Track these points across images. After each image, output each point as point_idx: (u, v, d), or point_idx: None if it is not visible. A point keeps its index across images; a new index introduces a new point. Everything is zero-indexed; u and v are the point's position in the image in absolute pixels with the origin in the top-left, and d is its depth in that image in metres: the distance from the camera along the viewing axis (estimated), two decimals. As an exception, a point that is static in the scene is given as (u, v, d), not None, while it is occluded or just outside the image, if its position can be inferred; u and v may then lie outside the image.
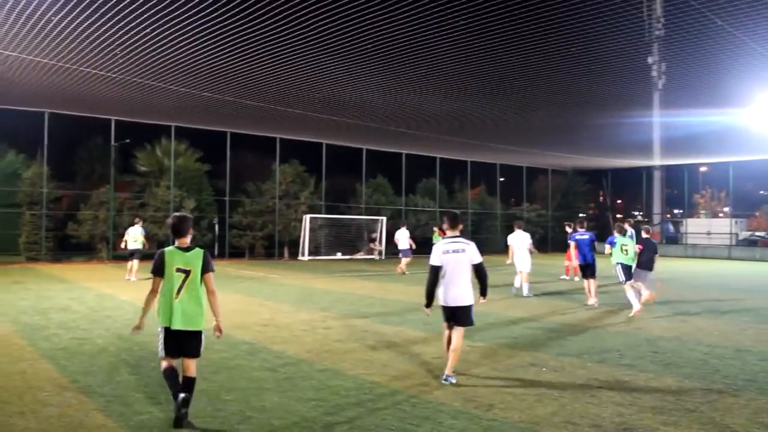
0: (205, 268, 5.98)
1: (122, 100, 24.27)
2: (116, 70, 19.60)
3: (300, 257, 33.39)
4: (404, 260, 24.41)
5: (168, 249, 6.03)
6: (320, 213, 35.88)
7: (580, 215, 48.04)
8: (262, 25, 15.43)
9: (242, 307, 14.07)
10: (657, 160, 41.32)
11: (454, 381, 7.37)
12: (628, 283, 13.74)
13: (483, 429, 5.76)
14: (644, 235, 14.80)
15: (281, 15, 14.73)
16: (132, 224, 21.87)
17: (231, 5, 14.19)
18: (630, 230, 16.93)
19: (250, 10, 14.46)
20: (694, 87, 21.37)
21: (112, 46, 17.22)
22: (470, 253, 7.57)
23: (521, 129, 29.53)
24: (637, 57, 18.11)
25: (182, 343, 5.89)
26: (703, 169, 54.25)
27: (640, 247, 14.16)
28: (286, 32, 15.99)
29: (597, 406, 6.50)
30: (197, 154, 35.42)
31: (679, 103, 22.95)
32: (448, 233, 7.79)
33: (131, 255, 20.94)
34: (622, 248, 14.14)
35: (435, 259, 7.57)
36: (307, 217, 33.59)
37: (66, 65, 19.01)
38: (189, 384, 5.86)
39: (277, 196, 35.30)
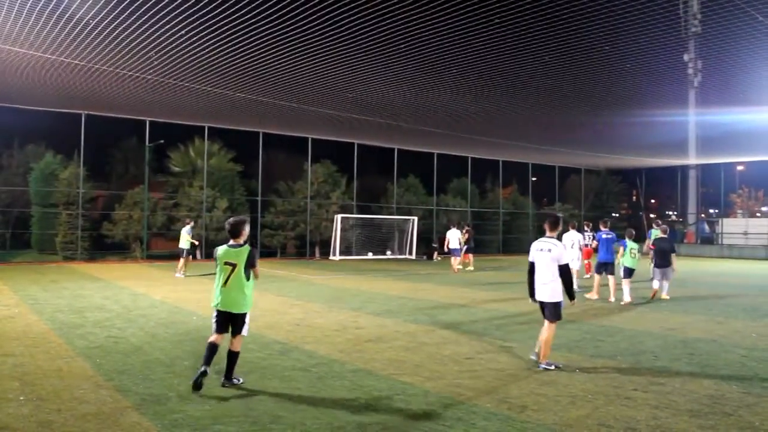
0: (248, 263, 7.16)
1: (157, 101, 24.60)
2: (151, 72, 19.87)
3: (331, 257, 33.49)
4: (457, 259, 26.12)
5: (221, 247, 7.34)
6: (351, 213, 35.94)
7: (610, 215, 47.61)
8: (295, 25, 15.51)
9: (274, 306, 14.15)
10: (692, 159, 40.66)
11: (549, 368, 8.07)
12: (625, 280, 15.55)
13: (516, 431, 5.72)
14: (660, 234, 16.44)
15: (314, 15, 14.79)
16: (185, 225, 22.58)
17: (264, 6, 14.28)
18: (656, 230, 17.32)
19: (284, 11, 14.54)
20: (731, 84, 20.99)
21: (147, 49, 17.47)
22: (555, 253, 8.13)
23: (554, 128, 29.27)
24: (672, 54, 17.83)
25: (229, 321, 7.21)
26: (740, 168, 53.19)
27: (652, 246, 15.29)
28: (318, 32, 16.05)
29: (631, 409, 6.41)
30: (230, 154, 35.77)
31: (716, 101, 22.55)
32: (547, 233, 8.44)
33: (182, 254, 21.90)
34: (631, 252, 15.79)
35: (530, 255, 8.42)
36: (338, 217, 33.68)
37: (102, 67, 19.33)
38: (232, 357, 7.22)
39: (309, 195, 35.46)
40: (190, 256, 22.10)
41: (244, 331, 7.26)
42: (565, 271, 8.12)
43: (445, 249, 27.32)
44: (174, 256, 32.61)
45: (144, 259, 29.93)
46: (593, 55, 18.08)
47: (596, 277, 16.59)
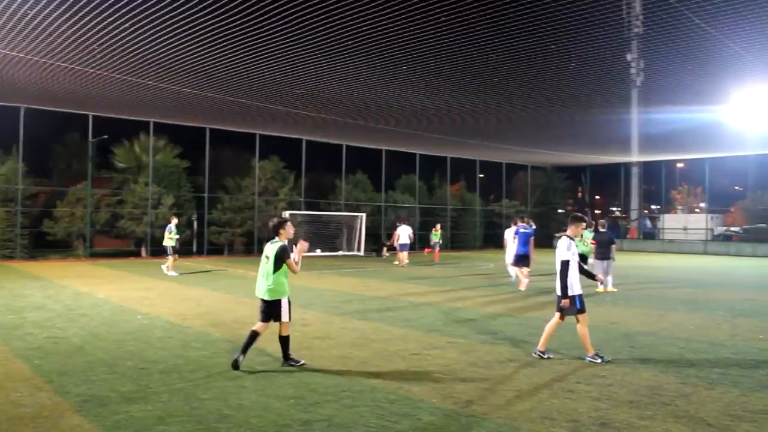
0: (278, 257, 7.92)
1: (100, 95, 24.02)
2: (93, 65, 19.39)
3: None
4: (404, 254, 26.77)
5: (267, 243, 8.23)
6: (299, 209, 35.78)
7: (556, 211, 48.61)
8: (242, 20, 15.33)
9: (220, 304, 14.00)
10: (635, 157, 41.71)
11: (596, 360, 8.33)
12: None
13: (461, 425, 5.77)
14: (600, 229, 17.39)
15: (261, 10, 14.65)
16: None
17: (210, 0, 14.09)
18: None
19: (231, 4, 14.35)
20: (671, 84, 21.56)
21: (89, 41, 17.04)
22: (560, 249, 8.52)
23: (500, 125, 29.61)
24: (616, 54, 18.21)
25: (267, 309, 8.01)
26: (680, 165, 54.80)
27: (594, 241, 16.18)
28: (266, 27, 15.90)
29: (574, 401, 6.54)
30: (176, 150, 35.17)
31: (657, 100, 23.15)
32: (568, 231, 8.78)
33: (168, 252, 21.71)
34: (584, 241, 17.00)
35: None
36: (286, 214, 33.43)
37: (42, 60, 18.78)
38: (282, 342, 8.08)
39: (257, 192, 35.15)
40: (176, 254, 21.73)
41: (284, 317, 7.97)
42: (560, 268, 8.42)
43: (394, 244, 27.70)
44: (119, 254, 32.05)
45: (87, 258, 29.22)
46: (540, 54, 18.36)
47: (521, 269, 17.65)
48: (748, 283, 20.35)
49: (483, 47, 17.63)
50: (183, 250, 30.76)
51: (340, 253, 35.35)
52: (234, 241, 35.43)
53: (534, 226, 19.22)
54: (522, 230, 17.85)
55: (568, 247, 8.50)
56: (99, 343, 9.41)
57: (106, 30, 16.13)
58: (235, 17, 15.14)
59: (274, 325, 8.10)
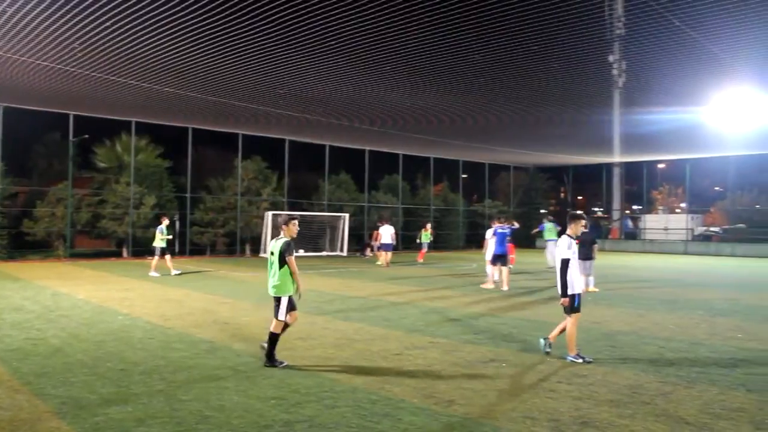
0: (282, 254, 8.03)
1: (81, 94, 23.80)
2: (74, 64, 19.21)
3: (262, 254, 33.12)
4: (387, 254, 26.93)
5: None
6: (282, 209, 35.64)
7: (538, 211, 48.87)
8: (225, 19, 15.25)
9: (202, 305, 13.93)
10: (617, 157, 41.98)
11: (577, 360, 8.38)
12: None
13: (442, 425, 5.79)
14: (582, 229, 16.42)
15: (244, 9, 14.58)
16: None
17: (191, -1, 14.02)
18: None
19: (213, 4, 14.28)
20: (653, 85, 21.72)
21: (70, 40, 16.87)
22: (560, 248, 8.67)
23: (483, 126, 29.70)
24: (598, 55, 18.32)
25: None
26: (661, 166, 55.25)
27: (577, 241, 16.24)
28: (248, 27, 15.83)
29: (555, 401, 6.58)
30: (158, 149, 34.90)
31: (639, 101, 23.32)
32: (567, 231, 8.85)
33: (157, 252, 21.57)
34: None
35: None
36: (269, 214, 33.37)
37: (22, 58, 18.57)
38: (271, 338, 8.06)
39: (239, 192, 34.99)
40: (168, 255, 21.52)
41: (280, 315, 7.99)
42: (560, 266, 8.53)
43: (374, 244, 27.84)
44: (100, 254, 31.79)
45: (68, 258, 28.94)
46: (522, 55, 18.42)
47: (491, 268, 17.94)
48: (726, 283, 20.57)
49: (466, 48, 17.67)
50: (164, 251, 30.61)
51: (324, 253, 35.30)
52: (216, 241, 35.22)
53: (517, 226, 19.56)
54: (499, 230, 18.02)
55: (569, 246, 8.58)
56: (79, 344, 9.33)
57: (88, 28, 15.98)
58: (217, 16, 15.06)
59: (268, 321, 8.14)
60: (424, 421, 5.89)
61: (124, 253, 31.46)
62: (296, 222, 8.41)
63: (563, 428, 5.72)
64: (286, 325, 8.16)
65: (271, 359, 8.03)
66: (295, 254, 8.18)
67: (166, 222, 21.84)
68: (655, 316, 12.81)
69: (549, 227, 25.38)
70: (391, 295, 16.05)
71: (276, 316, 8.06)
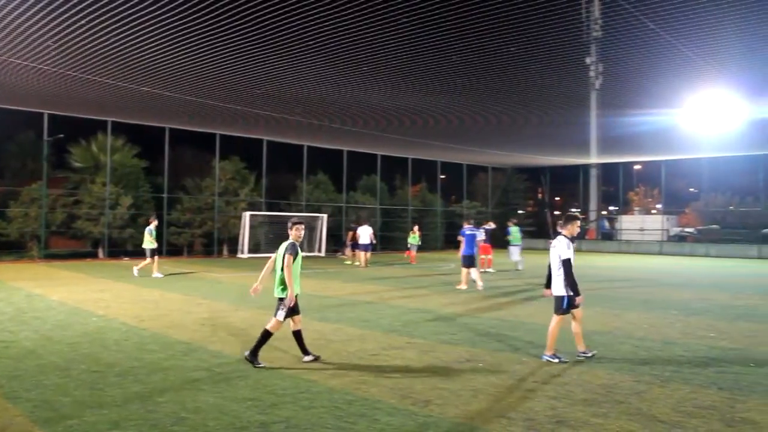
0: (283, 254, 8.26)
1: (56, 93, 23.50)
2: (49, 62, 18.97)
3: (239, 255, 33.02)
4: (366, 254, 27.14)
5: None
6: (260, 210, 35.52)
7: (516, 212, 49.21)
8: (203, 18, 15.14)
9: (178, 306, 13.84)
10: (594, 158, 42.34)
11: (553, 360, 8.45)
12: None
13: (419, 425, 5.81)
14: (559, 229, 16.93)
15: (222, 8, 14.50)
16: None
17: (168, -2, 13.91)
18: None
19: (190, 2, 14.19)
20: (629, 88, 21.92)
21: (44, 38, 16.66)
22: (559, 249, 8.63)
23: (461, 127, 29.80)
24: (575, 57, 18.46)
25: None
26: (637, 167, 55.75)
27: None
28: (227, 26, 15.73)
29: (531, 400, 6.63)
30: (135, 149, 34.54)
31: (615, 103, 23.53)
32: (563, 231, 8.87)
33: (147, 254, 21.50)
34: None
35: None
36: (246, 215, 33.22)
37: (-6, 57, 18.33)
38: (262, 335, 8.24)
39: (217, 193, 34.79)
40: (155, 256, 21.39)
41: (279, 315, 8.15)
42: (564, 264, 8.52)
43: (347, 244, 28.01)
44: (75, 255, 31.41)
45: (42, 259, 28.58)
46: (500, 57, 18.51)
47: (468, 270, 17.96)
48: (700, 283, 20.83)
49: (444, 48, 17.71)
50: (141, 251, 30.36)
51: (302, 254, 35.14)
52: (194, 242, 34.98)
53: (493, 226, 19.73)
54: (468, 231, 18.18)
55: (568, 246, 8.64)
56: (52, 346, 9.23)
57: (62, 26, 15.78)
58: (194, 15, 14.95)
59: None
60: (400, 421, 5.90)
61: (100, 254, 31.14)
62: (300, 226, 8.62)
63: (538, 427, 5.76)
64: (294, 332, 8.41)
65: (253, 355, 8.11)
66: (300, 255, 8.43)
67: (155, 223, 21.82)
68: (630, 315, 12.95)
69: (513, 231, 25.54)
70: (369, 296, 16.05)
71: (275, 315, 8.20)
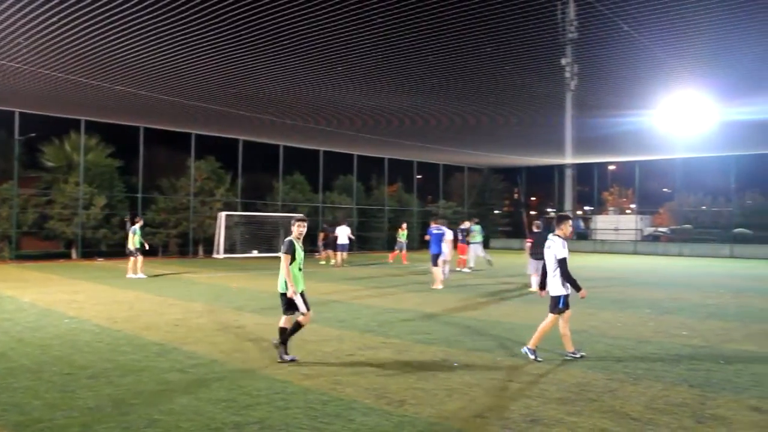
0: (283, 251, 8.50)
1: (27, 91, 23.15)
2: (20, 60, 18.69)
3: (215, 255, 32.82)
4: (342, 254, 27.53)
5: None
6: (236, 210, 35.34)
7: (492, 212, 49.45)
8: (177, 17, 15.01)
9: (152, 307, 13.72)
10: (569, 159, 42.66)
11: (531, 356, 8.51)
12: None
13: (394, 425, 5.81)
14: (534, 229, 17.53)
15: (196, 7, 14.39)
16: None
17: (141, -4, 13.77)
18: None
19: (164, 1, 14.06)
20: (603, 89, 22.13)
21: (15, 34, 16.41)
22: (554, 249, 8.74)
23: (437, 127, 29.87)
24: (551, 58, 18.58)
25: (285, 301, 8.53)
26: (611, 167, 56.31)
27: (530, 240, 17.34)
28: (201, 25, 15.62)
29: (505, 399, 6.67)
30: (109, 149, 34.15)
31: (591, 104, 23.74)
32: (556, 231, 8.95)
33: (133, 254, 21.41)
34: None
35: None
36: (222, 215, 33.03)
37: (-37, 54, 18.02)
38: (281, 331, 8.52)
39: (192, 193, 34.54)
40: (140, 256, 21.24)
41: (301, 309, 8.42)
42: (560, 263, 8.64)
43: (320, 244, 28.18)
44: (48, 256, 31.00)
45: (13, 260, 28.16)
46: (476, 57, 18.59)
47: (434, 269, 18.26)
48: (674, 282, 21.09)
49: (419, 49, 17.74)
50: (115, 251, 30.07)
51: (278, 254, 35.01)
52: (169, 242, 34.69)
53: (469, 225, 19.99)
54: (435, 231, 18.48)
55: (563, 245, 8.73)
56: (23, 348, 9.09)
57: (33, 23, 15.57)
58: (168, 13, 14.82)
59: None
60: (375, 421, 5.90)
61: (73, 255, 30.77)
62: (301, 224, 8.77)
63: (513, 426, 5.79)
64: (299, 325, 8.52)
65: (284, 345, 8.46)
66: (299, 251, 8.61)
67: (140, 223, 21.82)
68: (604, 314, 13.06)
69: (476, 230, 25.62)
70: (345, 296, 16.04)
71: (283, 310, 8.53)
